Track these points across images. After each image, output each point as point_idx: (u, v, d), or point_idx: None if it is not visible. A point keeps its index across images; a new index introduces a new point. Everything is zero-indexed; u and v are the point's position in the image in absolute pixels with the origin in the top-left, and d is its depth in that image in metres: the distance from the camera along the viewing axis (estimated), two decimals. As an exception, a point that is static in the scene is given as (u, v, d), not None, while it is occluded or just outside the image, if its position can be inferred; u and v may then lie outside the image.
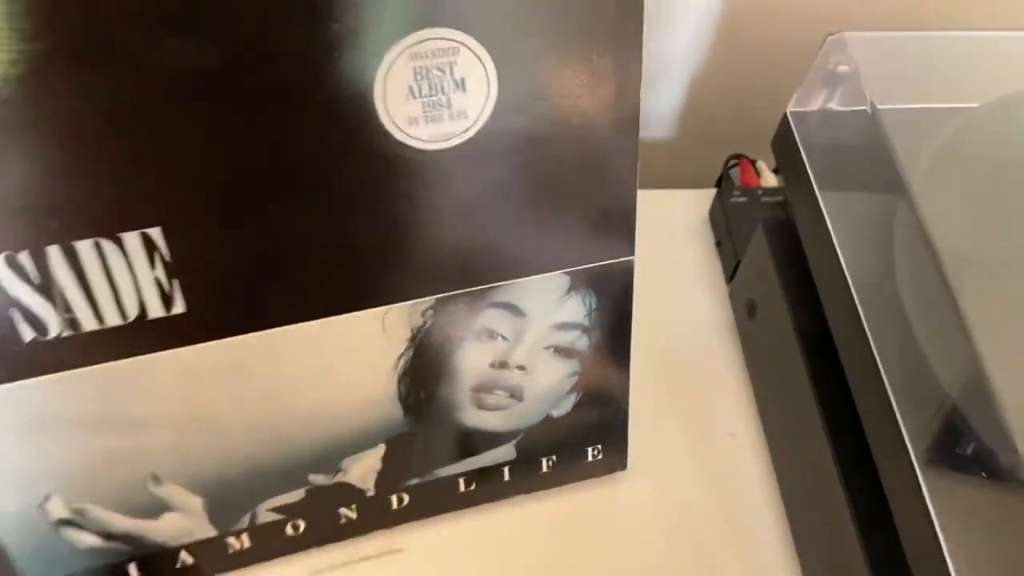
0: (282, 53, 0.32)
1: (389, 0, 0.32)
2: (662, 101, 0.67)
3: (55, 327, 0.34)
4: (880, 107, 0.43)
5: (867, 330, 0.40)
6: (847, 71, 0.44)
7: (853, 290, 0.41)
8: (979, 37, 0.47)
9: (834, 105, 0.46)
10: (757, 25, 0.63)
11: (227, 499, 0.41)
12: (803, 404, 0.45)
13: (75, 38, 0.29)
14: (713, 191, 0.62)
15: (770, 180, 0.60)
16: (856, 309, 0.41)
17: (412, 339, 0.40)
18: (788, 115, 0.47)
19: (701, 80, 0.66)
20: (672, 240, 0.60)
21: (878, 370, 0.39)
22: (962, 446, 0.36)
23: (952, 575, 0.33)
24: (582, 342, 0.43)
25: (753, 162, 0.61)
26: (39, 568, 0.40)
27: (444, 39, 0.33)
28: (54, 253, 0.32)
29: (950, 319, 0.36)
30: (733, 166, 0.62)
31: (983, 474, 0.35)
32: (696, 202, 0.62)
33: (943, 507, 0.35)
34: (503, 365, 0.42)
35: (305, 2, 0.31)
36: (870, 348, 0.40)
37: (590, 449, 0.47)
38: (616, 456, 0.48)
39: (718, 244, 0.60)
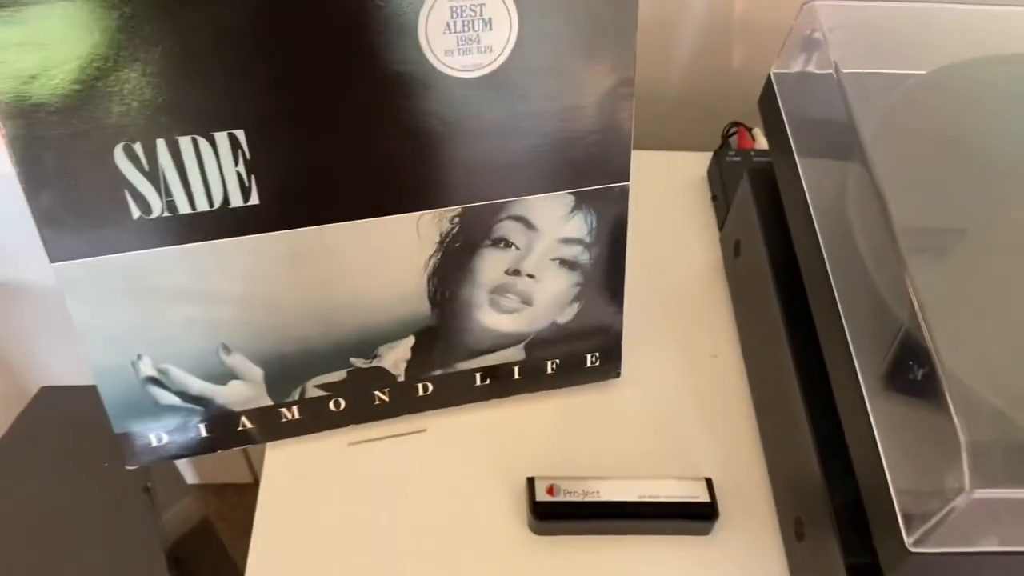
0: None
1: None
2: (674, 74, 0.74)
3: (157, 208, 0.43)
4: (844, 71, 0.50)
5: (827, 266, 0.47)
6: (820, 38, 0.51)
7: (818, 231, 0.48)
8: (942, 8, 0.53)
9: (811, 68, 0.53)
10: (765, 5, 0.70)
11: (282, 373, 0.49)
12: (774, 328, 0.52)
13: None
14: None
15: (763, 144, 0.68)
16: (820, 247, 0.48)
17: (441, 243, 0.48)
18: (771, 76, 0.55)
19: (708, 55, 0.73)
20: (675, 194, 0.68)
21: (835, 302, 0.46)
22: (901, 368, 0.42)
23: (886, 471, 0.40)
24: (584, 257, 0.50)
25: (749, 129, 0.69)
26: (126, 418, 0.48)
27: (476, -15, 0.41)
28: (161, 145, 0.41)
29: (894, 257, 0.42)
30: (733, 133, 0.70)
31: (918, 392, 0.41)
32: (697, 162, 0.69)
33: (882, 417, 0.42)
34: (516, 272, 0.50)
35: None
36: (830, 283, 0.46)
37: (589, 356, 0.54)
38: (611, 364, 0.55)
39: (713, 198, 0.67)
